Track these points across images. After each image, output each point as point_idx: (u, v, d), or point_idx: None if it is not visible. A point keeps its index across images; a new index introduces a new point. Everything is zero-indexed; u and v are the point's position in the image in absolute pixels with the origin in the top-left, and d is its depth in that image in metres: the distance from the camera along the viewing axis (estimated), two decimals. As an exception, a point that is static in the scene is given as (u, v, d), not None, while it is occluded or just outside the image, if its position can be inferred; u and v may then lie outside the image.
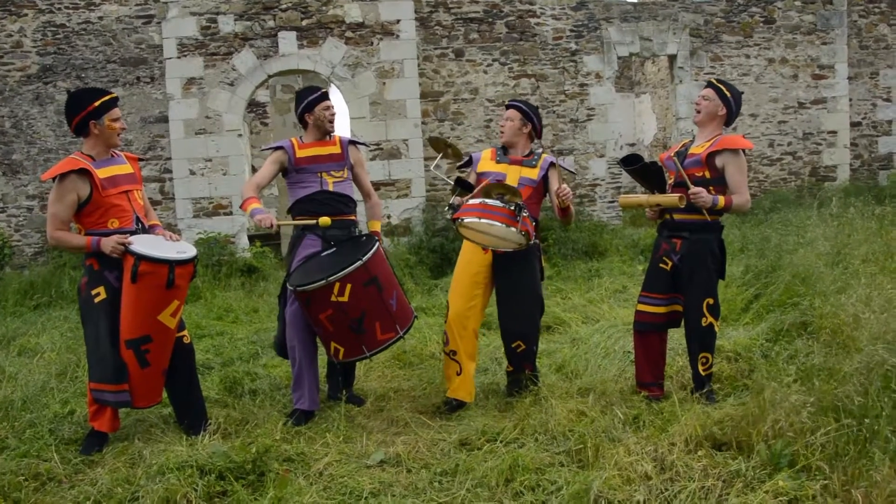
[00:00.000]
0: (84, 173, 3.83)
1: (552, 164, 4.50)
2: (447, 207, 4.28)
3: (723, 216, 4.20)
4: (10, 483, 3.41)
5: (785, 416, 2.99)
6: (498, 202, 3.96)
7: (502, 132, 4.54)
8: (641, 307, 4.28)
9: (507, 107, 4.60)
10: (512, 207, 3.95)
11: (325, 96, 4.51)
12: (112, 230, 3.88)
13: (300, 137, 4.55)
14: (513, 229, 3.92)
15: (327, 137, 4.51)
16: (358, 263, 3.94)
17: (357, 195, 4.64)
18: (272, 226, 4.17)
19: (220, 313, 7.92)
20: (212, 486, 3.25)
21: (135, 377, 3.88)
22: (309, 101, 4.46)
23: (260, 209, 4.24)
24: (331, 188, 4.41)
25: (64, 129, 10.85)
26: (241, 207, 4.45)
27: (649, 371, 4.28)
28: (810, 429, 2.94)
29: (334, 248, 4.32)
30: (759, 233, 8.12)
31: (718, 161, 4.04)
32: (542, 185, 4.48)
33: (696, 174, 4.05)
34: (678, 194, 3.96)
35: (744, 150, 4.08)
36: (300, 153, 4.42)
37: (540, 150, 4.63)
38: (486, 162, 4.56)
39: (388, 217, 11.13)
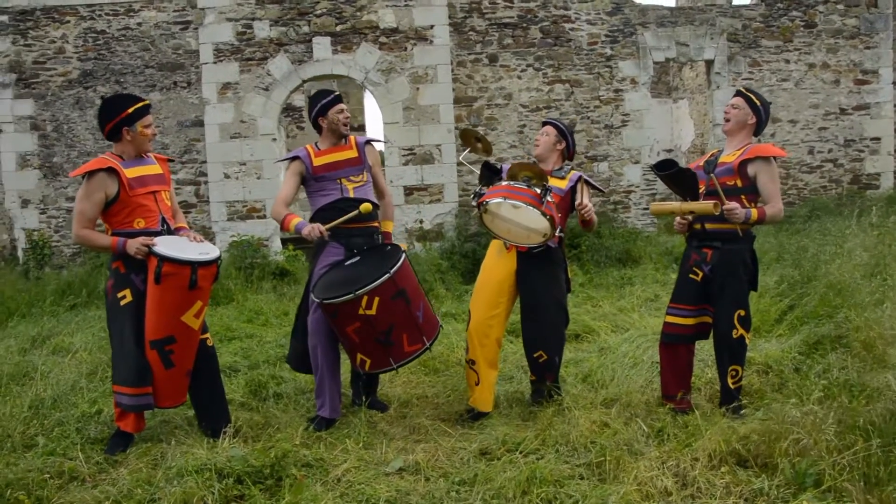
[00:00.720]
0: (112, 172, 3.88)
1: (581, 179, 4.46)
2: (472, 196, 4.24)
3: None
4: (34, 481, 3.46)
5: (808, 433, 2.89)
6: (523, 184, 3.94)
7: (537, 145, 4.51)
8: (670, 319, 4.19)
9: (544, 123, 4.58)
10: (538, 190, 3.92)
11: (339, 99, 4.44)
12: (138, 230, 3.92)
13: (316, 144, 4.49)
14: (537, 211, 3.87)
15: (343, 141, 4.46)
16: (386, 276, 3.90)
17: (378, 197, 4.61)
18: (322, 234, 4.15)
19: (251, 316, 7.97)
20: (229, 489, 3.26)
21: (159, 377, 3.92)
22: (322, 104, 4.40)
23: (303, 222, 4.23)
24: (351, 194, 4.35)
25: (103, 132, 11.09)
26: (282, 228, 4.40)
27: (676, 384, 4.19)
28: (836, 448, 2.83)
29: (358, 258, 4.29)
30: (795, 242, 7.93)
31: (750, 169, 3.97)
32: (570, 196, 4.41)
33: (728, 183, 3.97)
34: (713, 201, 3.86)
35: (774, 158, 3.99)
36: (317, 161, 4.36)
37: (569, 167, 4.59)
38: None
39: (421, 222, 11.13)
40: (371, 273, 3.98)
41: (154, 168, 4.09)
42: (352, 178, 4.39)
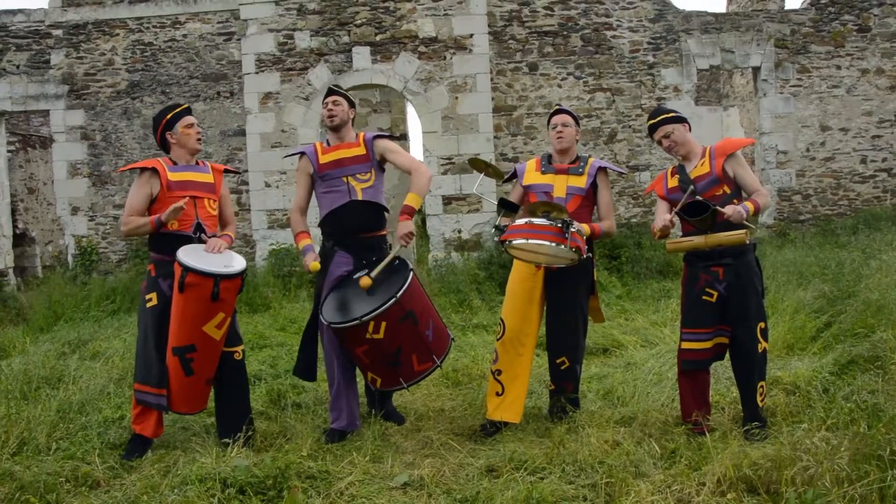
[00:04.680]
0: (155, 172, 4.06)
1: (601, 170, 4.36)
2: (493, 229, 4.18)
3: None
4: (47, 484, 3.51)
5: (818, 461, 2.73)
6: (544, 220, 3.86)
7: (561, 138, 4.35)
8: (687, 345, 4.01)
9: (558, 112, 4.42)
10: (559, 224, 3.84)
11: (328, 93, 4.38)
12: (171, 231, 4.03)
13: (326, 140, 4.41)
14: (562, 247, 3.81)
15: (352, 138, 4.35)
16: (391, 302, 3.85)
17: (390, 199, 4.53)
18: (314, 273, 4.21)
19: (285, 324, 8.05)
20: (230, 499, 3.25)
21: (180, 383, 3.98)
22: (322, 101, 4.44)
23: (309, 247, 4.27)
24: (360, 196, 4.23)
25: (149, 141, 11.40)
26: (294, 240, 4.43)
27: (699, 408, 4.02)
28: (848, 478, 2.67)
29: (367, 270, 4.22)
30: (836, 256, 7.62)
31: (728, 170, 3.93)
32: (592, 192, 4.33)
33: (717, 193, 3.91)
34: (742, 231, 3.75)
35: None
36: (323, 158, 4.28)
37: (587, 155, 4.49)
38: (532, 174, 4.43)
39: (459, 231, 11.10)
40: (378, 293, 3.94)
41: (204, 176, 4.20)
42: (358, 176, 4.26)
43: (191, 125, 4.14)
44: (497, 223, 4.16)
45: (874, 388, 3.90)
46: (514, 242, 3.90)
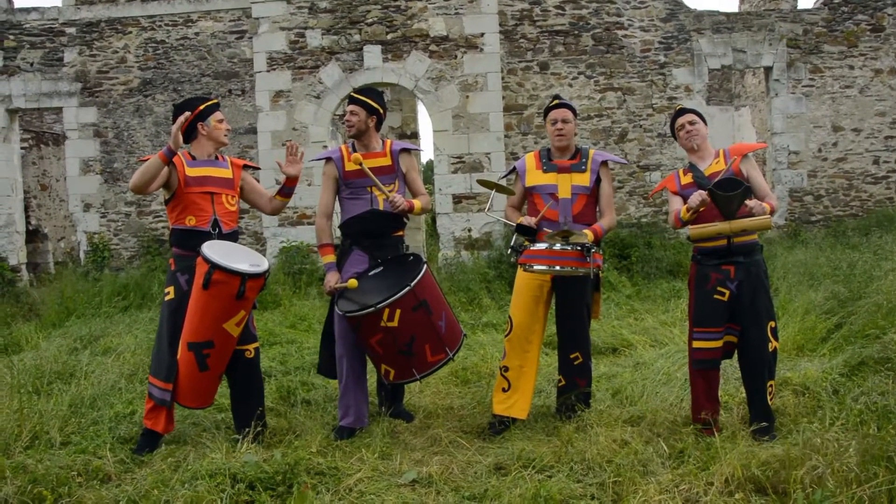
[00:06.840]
0: (174, 166, 4.01)
1: (603, 164, 4.35)
2: (508, 250, 4.21)
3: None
4: (59, 478, 3.55)
5: (826, 461, 2.73)
6: (566, 246, 3.90)
7: (561, 136, 4.30)
8: (699, 344, 4.00)
9: (556, 106, 4.33)
10: (579, 249, 3.87)
11: (349, 100, 4.39)
12: (189, 227, 4.04)
13: (352, 144, 4.45)
14: (582, 270, 3.90)
15: (377, 147, 4.40)
16: (406, 289, 3.90)
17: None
18: (333, 292, 4.22)
19: (295, 321, 8.09)
20: (240, 495, 3.28)
21: (192, 378, 3.98)
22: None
23: (331, 266, 4.29)
24: (381, 206, 4.29)
25: (161, 139, 11.46)
26: (319, 251, 4.43)
27: (710, 407, 4.02)
28: (857, 479, 2.67)
29: (381, 268, 4.28)
30: (847, 257, 7.59)
31: (743, 170, 3.97)
32: (597, 188, 4.32)
33: None
34: (768, 216, 3.77)
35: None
36: (349, 166, 4.31)
37: (586, 148, 4.45)
38: (533, 173, 4.37)
39: (469, 230, 11.11)
40: (392, 285, 3.98)
41: (223, 171, 4.18)
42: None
43: (222, 120, 4.18)
44: (513, 243, 4.20)
45: (884, 389, 3.90)
46: (535, 268, 4.00)
